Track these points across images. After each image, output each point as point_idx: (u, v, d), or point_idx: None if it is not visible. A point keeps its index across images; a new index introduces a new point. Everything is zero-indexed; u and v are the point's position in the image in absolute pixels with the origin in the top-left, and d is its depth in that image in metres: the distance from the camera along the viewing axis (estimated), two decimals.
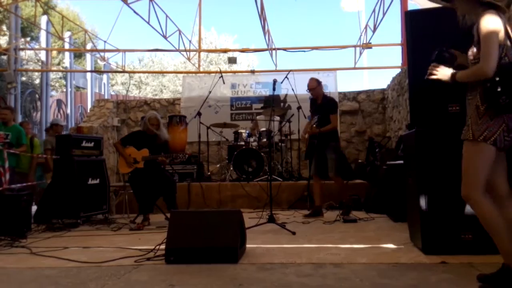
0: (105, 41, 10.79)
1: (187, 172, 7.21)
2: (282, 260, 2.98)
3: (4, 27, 12.99)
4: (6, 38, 12.06)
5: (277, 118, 7.71)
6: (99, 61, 12.23)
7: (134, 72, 19.40)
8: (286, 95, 9.33)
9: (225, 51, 12.96)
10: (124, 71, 11.68)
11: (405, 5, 8.65)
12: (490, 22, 2.13)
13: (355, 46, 9.96)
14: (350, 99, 9.41)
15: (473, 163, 2.18)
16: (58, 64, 18.22)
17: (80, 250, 3.60)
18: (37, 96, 11.88)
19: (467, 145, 2.19)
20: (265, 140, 6.98)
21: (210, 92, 7.78)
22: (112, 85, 23.49)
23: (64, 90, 15.03)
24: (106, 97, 14.95)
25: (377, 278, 2.45)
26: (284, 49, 10.57)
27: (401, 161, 4.27)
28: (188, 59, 10.62)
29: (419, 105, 3.13)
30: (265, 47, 10.00)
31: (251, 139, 7.20)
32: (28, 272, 2.91)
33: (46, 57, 11.44)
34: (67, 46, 12.12)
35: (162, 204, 5.24)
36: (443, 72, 2.32)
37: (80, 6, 23.08)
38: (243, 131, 7.53)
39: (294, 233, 4.04)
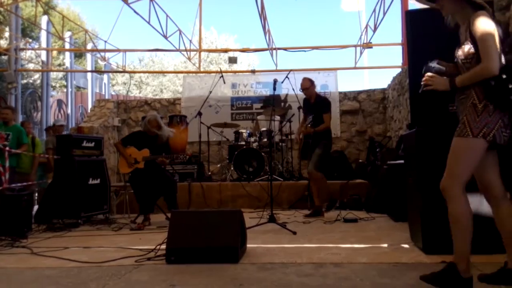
0: (105, 41, 10.80)
1: (187, 172, 7.21)
2: (282, 260, 2.99)
3: (4, 27, 12.98)
4: (6, 37, 12.05)
5: (278, 118, 7.71)
6: (99, 61, 12.23)
7: (134, 72, 19.41)
8: (286, 95, 9.33)
9: (225, 51, 12.96)
10: (124, 71, 11.68)
11: (406, 4, 8.63)
12: (486, 22, 2.12)
13: (355, 46, 9.95)
14: (350, 98, 9.41)
15: (465, 159, 2.16)
16: (59, 65, 18.23)
17: (81, 250, 3.61)
18: (37, 96, 11.88)
19: (462, 141, 2.17)
20: (265, 140, 6.98)
21: (210, 92, 7.78)
22: (113, 85, 23.48)
23: (65, 90, 15.03)
24: (106, 97, 14.95)
25: (377, 278, 2.45)
26: (285, 49, 10.56)
27: (402, 161, 4.27)
28: (189, 59, 10.61)
29: (420, 104, 3.12)
30: (266, 46, 10.00)
31: (252, 139, 7.21)
32: (28, 272, 2.92)
33: (47, 57, 11.44)
34: (67, 46, 12.12)
35: (162, 204, 5.24)
36: (439, 81, 2.29)
37: (81, 6, 23.09)
38: (243, 131, 7.53)
39: (294, 233, 4.04)
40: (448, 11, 2.30)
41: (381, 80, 41.06)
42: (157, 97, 21.78)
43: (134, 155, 5.15)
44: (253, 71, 10.41)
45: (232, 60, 10.92)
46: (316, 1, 36.02)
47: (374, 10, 8.44)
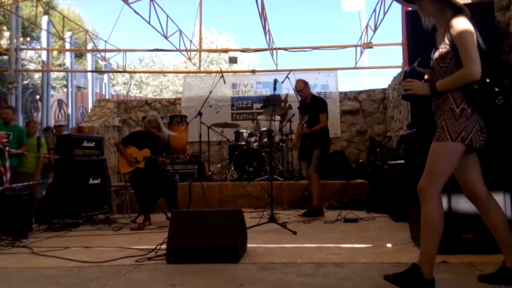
0: (105, 41, 10.80)
1: (188, 172, 7.22)
2: (283, 260, 2.99)
3: (4, 27, 12.98)
4: (6, 37, 12.05)
5: (278, 118, 7.71)
6: (100, 61, 12.23)
7: (135, 72, 19.40)
8: (287, 95, 9.33)
9: (225, 50, 12.94)
10: (125, 71, 11.68)
11: None
12: (467, 25, 2.11)
13: (356, 46, 9.94)
14: (351, 98, 9.41)
15: (443, 163, 2.16)
16: (60, 65, 18.23)
17: (81, 250, 3.61)
18: (38, 96, 11.88)
19: (440, 145, 2.17)
20: (266, 140, 6.98)
21: (211, 92, 7.78)
22: (113, 85, 23.48)
23: (65, 90, 15.03)
24: (107, 97, 14.95)
25: (378, 278, 2.45)
26: (285, 49, 10.55)
27: (402, 161, 4.27)
28: (189, 59, 10.61)
29: (420, 104, 3.12)
30: (266, 46, 9.99)
31: (252, 139, 7.21)
32: (29, 272, 2.92)
33: (47, 57, 11.44)
34: (67, 46, 12.12)
35: (163, 204, 5.24)
36: (418, 86, 2.28)
37: (81, 6, 23.12)
38: (244, 131, 7.53)
39: (295, 233, 4.04)
40: (427, 12, 2.28)
41: (382, 80, 41.10)
42: (158, 97, 21.78)
43: (134, 154, 5.16)
44: (253, 71, 10.41)
45: (233, 60, 10.91)
46: (316, 1, 36.09)
47: (375, 10, 8.44)
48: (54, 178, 5.42)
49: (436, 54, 2.25)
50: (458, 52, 2.12)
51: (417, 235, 3.18)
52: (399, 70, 8.46)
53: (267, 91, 9.59)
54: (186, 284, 2.49)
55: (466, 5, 3.16)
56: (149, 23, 8.29)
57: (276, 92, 5.43)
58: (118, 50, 10.92)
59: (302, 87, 5.37)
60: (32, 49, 13.29)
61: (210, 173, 7.66)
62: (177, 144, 6.88)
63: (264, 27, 9.14)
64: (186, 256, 2.98)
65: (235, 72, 11.85)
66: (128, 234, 4.44)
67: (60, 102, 13.13)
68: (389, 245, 3.43)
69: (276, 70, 10.00)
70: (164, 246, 3.11)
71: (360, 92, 9.47)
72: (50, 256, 3.35)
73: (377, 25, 8.44)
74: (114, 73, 19.71)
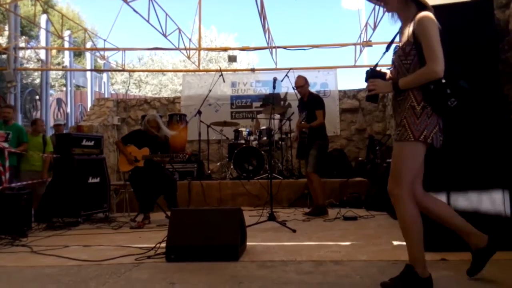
0: (104, 40, 10.77)
1: (187, 170, 7.21)
2: (282, 258, 2.99)
3: (3, 26, 12.96)
4: (5, 35, 12.03)
5: (277, 116, 7.71)
6: (99, 60, 12.20)
7: (134, 71, 19.33)
8: (286, 93, 9.33)
9: (225, 49, 12.96)
10: (124, 70, 11.66)
11: None
12: (433, 22, 2.07)
13: (355, 44, 9.94)
14: (350, 97, 9.41)
15: (408, 163, 2.15)
16: (59, 64, 18.21)
17: (81, 249, 3.61)
18: (37, 95, 11.87)
19: (404, 145, 2.14)
20: (265, 138, 6.98)
21: (210, 90, 7.76)
22: (112, 84, 23.46)
23: (64, 89, 15.02)
24: (106, 96, 14.92)
25: (377, 275, 2.45)
26: (284, 47, 10.53)
27: None
28: (188, 57, 10.59)
29: None
30: (265, 45, 9.98)
31: (251, 138, 7.21)
32: (28, 270, 2.92)
33: (46, 56, 11.42)
34: (66, 45, 12.10)
35: (162, 202, 5.25)
36: (381, 85, 2.25)
37: (80, 5, 23.16)
38: (243, 129, 7.54)
39: (294, 231, 4.05)
40: (392, 8, 2.25)
41: None
42: (157, 95, 21.77)
43: (134, 153, 5.16)
44: (252, 70, 10.40)
45: (232, 59, 10.91)
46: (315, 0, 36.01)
47: (374, 8, 8.43)
48: (54, 177, 5.43)
49: (399, 51, 2.21)
50: (421, 49, 2.08)
51: None
52: None
53: (266, 90, 9.59)
54: (185, 282, 2.49)
55: (467, 3, 3.17)
56: (148, 21, 8.27)
57: (276, 91, 5.42)
58: (117, 49, 10.90)
59: (302, 83, 5.38)
60: (31, 48, 13.25)
61: (209, 171, 7.66)
62: (177, 143, 6.88)
63: (263, 26, 9.13)
64: (185, 255, 2.99)
65: (234, 70, 11.82)
66: (127, 233, 4.44)
67: (59, 101, 13.12)
68: (388, 243, 3.44)
69: (276, 69, 10.00)
70: (163, 245, 3.11)
71: (359, 91, 9.45)
72: (49, 255, 3.35)
73: (377, 23, 8.44)
74: (113, 72, 19.72)
